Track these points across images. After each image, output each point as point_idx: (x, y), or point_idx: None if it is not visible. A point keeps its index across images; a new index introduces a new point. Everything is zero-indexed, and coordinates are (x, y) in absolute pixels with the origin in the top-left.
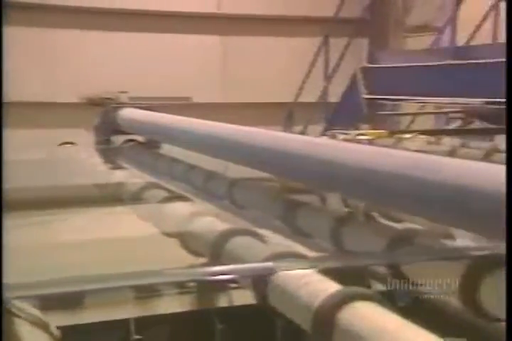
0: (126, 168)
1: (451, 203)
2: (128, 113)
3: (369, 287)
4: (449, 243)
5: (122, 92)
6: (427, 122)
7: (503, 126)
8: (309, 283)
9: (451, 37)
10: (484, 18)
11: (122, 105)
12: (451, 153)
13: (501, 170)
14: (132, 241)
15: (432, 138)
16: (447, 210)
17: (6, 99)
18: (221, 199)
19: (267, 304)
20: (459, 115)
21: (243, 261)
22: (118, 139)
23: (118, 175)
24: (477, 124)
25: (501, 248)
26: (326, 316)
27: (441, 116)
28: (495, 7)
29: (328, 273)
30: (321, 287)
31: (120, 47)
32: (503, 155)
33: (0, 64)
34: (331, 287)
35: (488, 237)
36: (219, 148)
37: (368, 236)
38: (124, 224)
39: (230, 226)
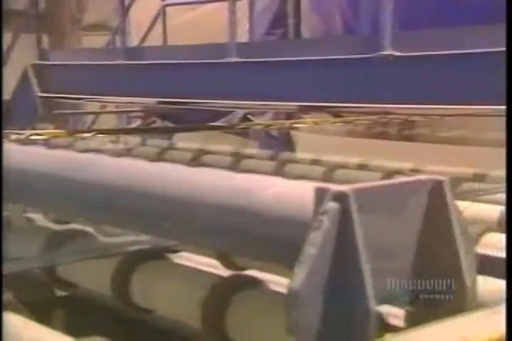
0: None
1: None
2: None
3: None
4: (103, 240)
5: None
6: (111, 122)
7: (182, 125)
8: None
9: (122, 38)
10: (153, 22)
11: None
12: (129, 151)
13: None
14: None
15: (113, 137)
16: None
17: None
18: None
19: None
20: (139, 114)
21: None
22: None
23: None
24: (158, 123)
25: (150, 242)
26: None
27: (122, 116)
28: (161, 12)
29: None
30: None
31: None
32: (177, 153)
33: (0, 63)
34: None
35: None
36: None
37: (22, 239)
38: None
39: None
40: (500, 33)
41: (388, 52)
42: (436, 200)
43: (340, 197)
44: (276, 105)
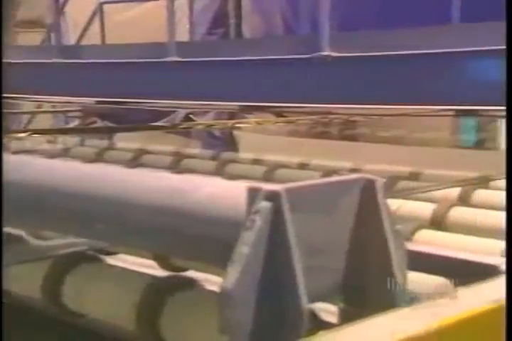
0: None
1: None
2: None
3: None
4: (35, 243)
5: None
6: (47, 122)
7: (123, 125)
8: None
9: (57, 35)
10: (90, 20)
11: None
12: (66, 152)
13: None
14: None
15: (50, 137)
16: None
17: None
18: None
19: None
20: (77, 114)
21: None
22: None
23: None
24: (99, 123)
25: (84, 244)
26: None
27: (59, 115)
28: (99, 9)
29: None
30: None
31: None
32: (116, 153)
33: (0, 63)
34: None
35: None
36: None
37: None
38: None
39: None
40: (439, 34)
41: (327, 52)
42: (367, 199)
43: (273, 197)
44: (218, 105)
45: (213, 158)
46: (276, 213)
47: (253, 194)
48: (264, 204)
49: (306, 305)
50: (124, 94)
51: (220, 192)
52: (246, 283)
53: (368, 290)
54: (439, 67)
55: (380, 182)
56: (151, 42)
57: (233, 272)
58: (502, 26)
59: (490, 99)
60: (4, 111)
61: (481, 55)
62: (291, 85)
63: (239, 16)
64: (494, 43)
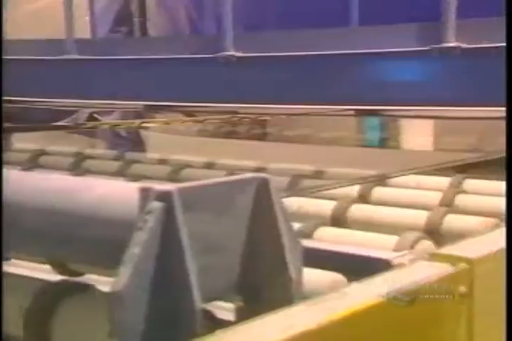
0: None
1: None
2: None
3: None
4: None
5: None
6: None
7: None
8: None
9: None
10: None
11: None
12: None
13: None
14: None
15: None
16: None
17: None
18: None
19: None
20: None
21: None
22: None
23: None
24: None
25: None
26: None
27: None
28: None
29: None
30: None
31: None
32: (13, 154)
33: (0, 63)
34: None
35: None
36: None
37: None
38: None
39: None
40: (341, 36)
41: (231, 52)
42: (262, 198)
43: (164, 197)
44: (122, 104)
45: (117, 159)
46: (169, 213)
47: (145, 194)
48: (156, 205)
49: (199, 305)
50: (21, 92)
51: (111, 193)
52: (137, 284)
53: (263, 287)
54: (340, 68)
55: (273, 181)
56: (51, 38)
57: (124, 273)
58: (404, 28)
59: (391, 99)
60: None
61: (382, 57)
62: (195, 85)
63: (143, 14)
64: (395, 45)
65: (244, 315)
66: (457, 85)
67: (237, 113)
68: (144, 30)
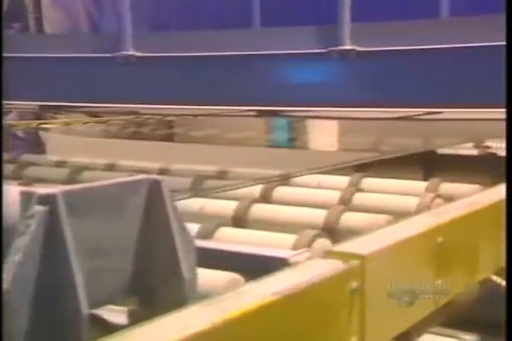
0: None
1: None
2: None
3: None
4: None
5: None
6: None
7: None
8: None
9: None
10: None
11: None
12: None
13: None
14: None
15: None
16: None
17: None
18: None
19: None
20: None
21: None
22: None
23: None
24: None
25: None
26: None
27: None
28: None
29: None
30: None
31: None
32: None
33: (0, 64)
34: None
35: None
36: None
37: None
38: None
39: None
40: (242, 37)
41: (130, 52)
42: (154, 199)
43: (48, 200)
44: (16, 104)
45: (12, 161)
46: (52, 217)
47: (27, 198)
48: (38, 209)
49: (86, 309)
50: None
51: None
52: (20, 289)
53: (157, 289)
54: (242, 69)
55: (166, 182)
56: None
57: (6, 279)
58: (305, 30)
59: (291, 100)
60: None
61: (283, 58)
62: (94, 85)
63: (38, 10)
64: (296, 47)
65: (139, 317)
66: (354, 86)
67: (138, 113)
68: (39, 27)
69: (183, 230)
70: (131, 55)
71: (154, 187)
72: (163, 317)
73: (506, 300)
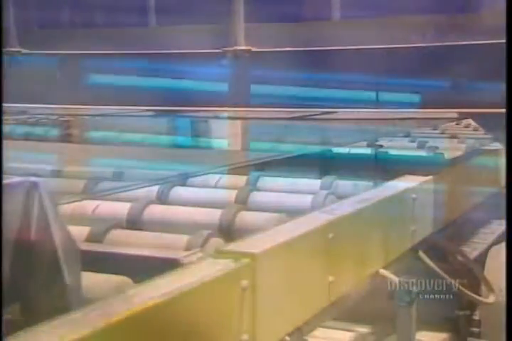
0: None
1: None
2: None
3: None
4: None
5: None
6: None
7: None
8: None
9: None
10: None
11: None
12: None
13: None
14: None
15: None
16: None
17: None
18: None
19: None
20: None
21: None
22: None
23: None
24: None
25: None
26: None
27: None
28: None
29: None
30: None
31: None
32: None
33: (0, 64)
34: None
35: None
36: None
37: None
38: None
39: None
40: (144, 36)
41: (17, 49)
42: (32, 202)
43: None
44: None
45: None
46: None
47: None
48: None
49: None
50: None
51: None
52: None
53: (38, 296)
54: (137, 68)
55: (44, 184)
56: None
57: None
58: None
59: (189, 101)
60: None
61: (179, 58)
62: None
63: None
64: (192, 46)
65: (18, 327)
66: (248, 87)
67: (30, 113)
68: None
69: (66, 234)
70: (17, 52)
71: (32, 190)
72: (44, 325)
73: (506, 300)
